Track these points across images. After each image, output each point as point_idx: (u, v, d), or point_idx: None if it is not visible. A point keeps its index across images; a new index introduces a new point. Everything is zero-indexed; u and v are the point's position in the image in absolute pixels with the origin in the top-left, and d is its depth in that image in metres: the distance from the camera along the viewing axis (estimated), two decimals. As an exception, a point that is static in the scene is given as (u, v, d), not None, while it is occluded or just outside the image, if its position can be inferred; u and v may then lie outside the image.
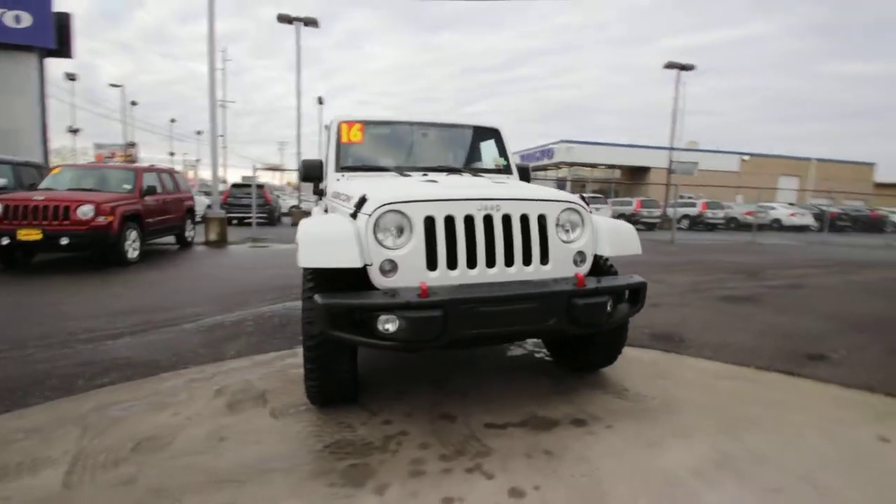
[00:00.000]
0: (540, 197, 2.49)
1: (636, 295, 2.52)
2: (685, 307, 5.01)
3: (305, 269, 2.46)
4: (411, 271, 2.22)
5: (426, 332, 2.03)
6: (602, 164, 33.66)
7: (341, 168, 3.46)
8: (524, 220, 2.40)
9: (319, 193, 3.66)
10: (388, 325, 2.04)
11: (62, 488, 1.85)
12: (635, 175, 32.53)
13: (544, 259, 2.43)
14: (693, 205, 22.65)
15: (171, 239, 9.47)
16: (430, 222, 2.26)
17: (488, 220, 2.34)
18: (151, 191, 7.86)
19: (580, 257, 2.52)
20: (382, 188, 2.47)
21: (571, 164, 31.19)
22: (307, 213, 19.74)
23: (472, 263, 2.30)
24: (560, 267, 2.45)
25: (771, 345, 3.70)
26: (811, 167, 36.66)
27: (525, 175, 3.99)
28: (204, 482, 1.88)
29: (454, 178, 3.12)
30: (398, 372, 3.06)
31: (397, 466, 1.99)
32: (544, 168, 32.96)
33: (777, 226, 22.48)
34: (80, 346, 3.49)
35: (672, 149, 22.75)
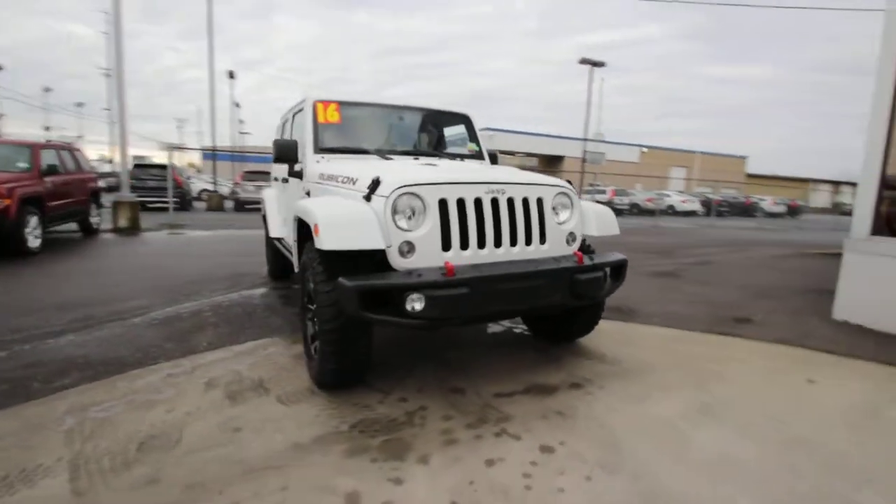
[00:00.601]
0: (538, 182, 2.67)
1: (619, 271, 2.81)
2: (624, 283, 5.55)
3: (312, 252, 2.41)
4: (427, 252, 2.29)
5: (453, 309, 2.12)
6: (520, 152, 35.09)
7: (320, 149, 3.37)
8: (525, 203, 2.57)
9: (295, 175, 3.50)
10: (416, 304, 2.10)
11: (74, 496, 1.69)
12: (551, 163, 34.41)
13: (542, 239, 2.62)
14: (603, 192, 24.62)
15: (72, 226, 8.34)
16: (443, 204, 2.33)
17: (494, 202, 2.46)
18: (52, 170, 6.86)
19: (571, 237, 2.75)
20: (391, 171, 2.48)
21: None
22: (225, 198, 18.36)
23: (481, 244, 2.42)
24: (555, 247, 2.66)
25: (703, 312, 4.28)
26: (696, 159, 41.42)
27: (494, 160, 4.17)
28: (240, 472, 1.82)
29: (447, 162, 3.19)
30: (394, 352, 3.10)
31: (430, 438, 2.08)
32: (467, 155, 33.59)
33: (671, 211, 25.23)
34: (17, 346, 3.06)
35: (585, 140, 24.37)
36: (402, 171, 2.44)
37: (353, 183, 2.54)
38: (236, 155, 27.60)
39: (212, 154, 18.22)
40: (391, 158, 3.42)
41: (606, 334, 3.52)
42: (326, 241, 2.13)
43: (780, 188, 33.42)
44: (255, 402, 2.41)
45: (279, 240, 4.67)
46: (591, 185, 23.49)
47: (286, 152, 3.38)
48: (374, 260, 2.30)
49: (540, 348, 3.23)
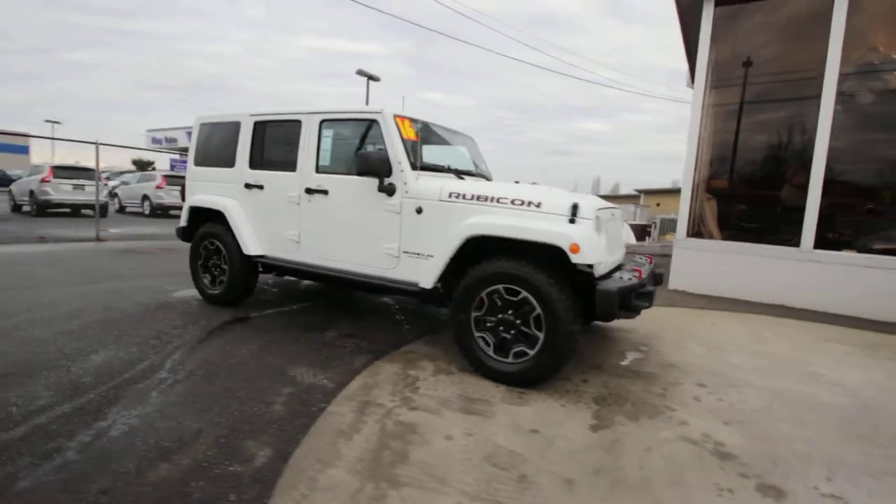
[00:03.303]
0: (616, 205, 3.67)
1: (645, 266, 4.09)
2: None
3: (525, 267, 2.73)
4: (603, 259, 3.00)
5: (650, 301, 2.92)
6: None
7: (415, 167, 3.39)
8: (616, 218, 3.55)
9: (384, 190, 3.34)
10: (635, 300, 2.81)
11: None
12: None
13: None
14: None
15: None
16: (600, 222, 3.08)
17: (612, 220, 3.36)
18: None
19: (625, 245, 3.88)
20: (572, 197, 3.02)
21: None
22: None
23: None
24: (622, 251, 3.74)
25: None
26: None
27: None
28: (589, 452, 2.19)
29: (556, 188, 3.73)
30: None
31: (646, 397, 2.82)
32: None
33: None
34: (72, 447, 2.03)
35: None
36: (579, 198, 3.02)
37: (538, 206, 2.94)
38: None
39: None
40: (464, 178, 3.75)
41: (590, 315, 4.78)
42: (589, 256, 2.59)
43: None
44: (496, 410, 2.57)
45: (260, 257, 4.07)
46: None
47: (379, 166, 3.28)
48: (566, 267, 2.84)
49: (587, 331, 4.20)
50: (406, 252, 3.34)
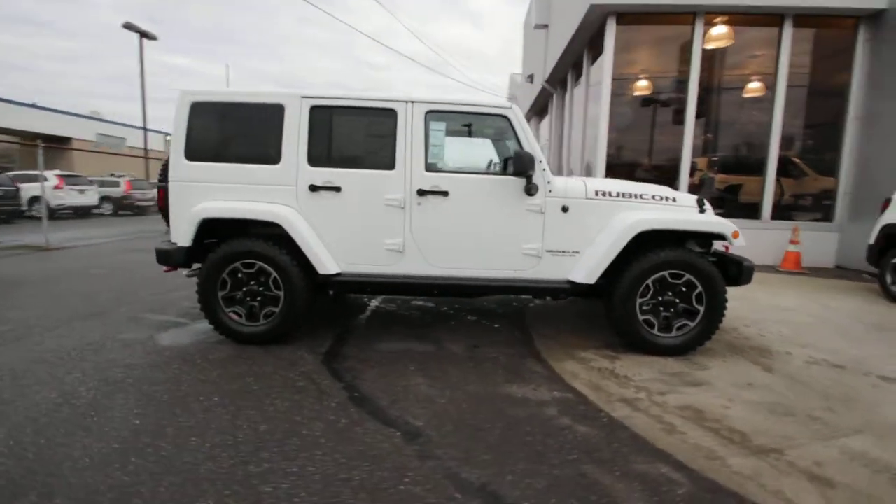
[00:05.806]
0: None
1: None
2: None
3: (686, 253, 3.23)
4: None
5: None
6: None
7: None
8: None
9: (529, 191, 3.21)
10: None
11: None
12: (53, 144, 25.35)
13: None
14: (117, 184, 21.57)
15: None
16: (694, 212, 3.82)
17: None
18: None
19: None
20: (681, 191, 3.58)
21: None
22: None
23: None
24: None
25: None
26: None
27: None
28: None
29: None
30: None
31: (740, 339, 3.72)
32: None
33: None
34: None
35: (134, 124, 20.38)
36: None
37: (674, 200, 3.42)
38: None
39: None
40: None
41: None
42: (742, 239, 3.23)
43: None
44: (704, 378, 3.03)
45: (336, 276, 3.39)
46: (110, 175, 18.76)
47: (531, 166, 3.20)
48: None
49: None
50: (550, 251, 3.38)
